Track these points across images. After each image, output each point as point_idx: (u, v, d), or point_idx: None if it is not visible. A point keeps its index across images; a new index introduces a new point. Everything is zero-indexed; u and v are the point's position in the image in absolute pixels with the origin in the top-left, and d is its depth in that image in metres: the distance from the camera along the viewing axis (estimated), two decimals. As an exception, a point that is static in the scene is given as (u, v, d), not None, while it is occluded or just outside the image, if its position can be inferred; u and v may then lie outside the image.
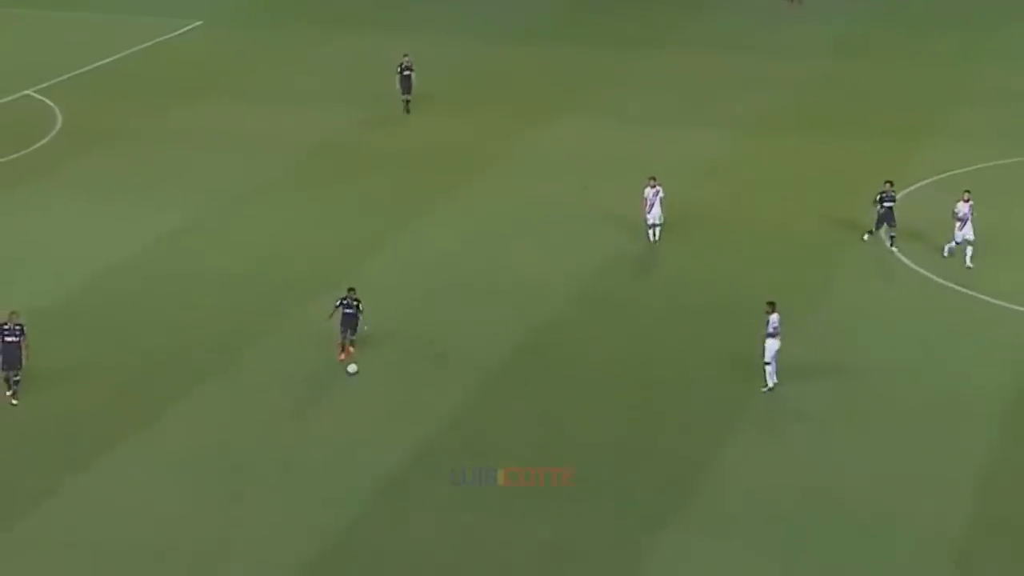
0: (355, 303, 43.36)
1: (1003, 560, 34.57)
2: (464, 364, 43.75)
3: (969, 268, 49.29)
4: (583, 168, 59.44)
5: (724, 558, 34.67)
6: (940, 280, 49.11)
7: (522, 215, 54.83)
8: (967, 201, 49.66)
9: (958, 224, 49.61)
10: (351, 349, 43.41)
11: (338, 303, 43.41)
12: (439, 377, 43.07)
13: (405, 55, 66.27)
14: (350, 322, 43.37)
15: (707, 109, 67.14)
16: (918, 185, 56.15)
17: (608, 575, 34.14)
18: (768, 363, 41.57)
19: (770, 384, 41.53)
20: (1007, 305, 47.28)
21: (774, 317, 41.34)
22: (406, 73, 65.66)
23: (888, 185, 51.35)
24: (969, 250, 49.56)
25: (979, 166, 58.86)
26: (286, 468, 38.46)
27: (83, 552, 35.26)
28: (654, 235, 51.70)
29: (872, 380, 42.66)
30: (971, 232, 49.50)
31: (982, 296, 47.87)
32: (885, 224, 51.13)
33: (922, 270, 49.83)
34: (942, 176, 57.68)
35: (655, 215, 51.45)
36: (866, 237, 51.69)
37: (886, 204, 50.98)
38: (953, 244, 49.97)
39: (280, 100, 68.80)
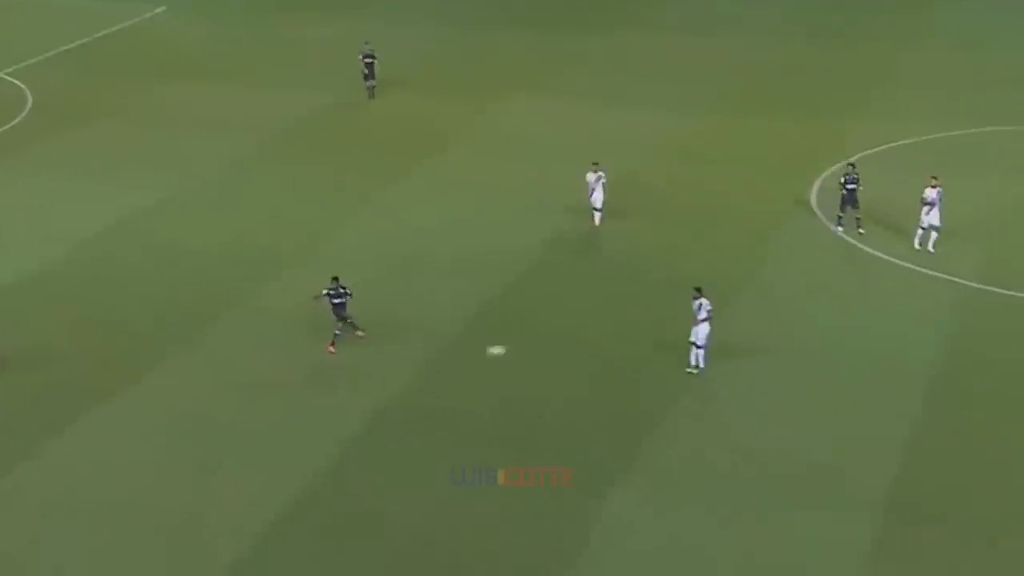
0: (343, 291, 44.09)
1: (928, 517, 36.27)
2: (424, 334, 45.36)
3: (931, 253, 50.18)
4: (542, 149, 60.99)
5: (669, 515, 36.28)
6: (879, 254, 50.70)
7: (480, 194, 56.40)
8: (935, 187, 50.42)
9: (925, 209, 50.34)
10: (360, 333, 44.29)
11: (325, 293, 44.05)
12: (401, 346, 44.60)
13: (366, 42, 67.61)
14: (342, 311, 44.09)
15: (661, 90, 68.76)
16: (856, 157, 57.26)
17: (562, 530, 35.71)
18: (700, 346, 42.44)
19: (702, 365, 42.46)
20: (938, 275, 48.95)
21: (705, 302, 42.18)
22: (368, 60, 67.03)
23: (851, 167, 52.59)
24: (933, 235, 50.41)
25: (916, 140, 61.00)
26: (257, 434, 40.00)
27: (57, 514, 36.70)
28: (597, 219, 52.77)
29: (810, 350, 44.19)
30: (937, 218, 50.23)
31: (917, 268, 49.51)
32: (848, 206, 51.99)
33: (864, 246, 51.45)
34: (880, 149, 59.73)
35: (597, 199, 52.57)
36: (840, 230, 52.34)
37: (848, 187, 51.95)
38: (920, 230, 50.67)
39: (247, 84, 70.11)
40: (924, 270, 49.41)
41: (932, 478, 37.78)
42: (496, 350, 42.95)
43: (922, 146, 60.74)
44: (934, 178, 50.59)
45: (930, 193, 50.32)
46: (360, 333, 44.46)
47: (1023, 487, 37.33)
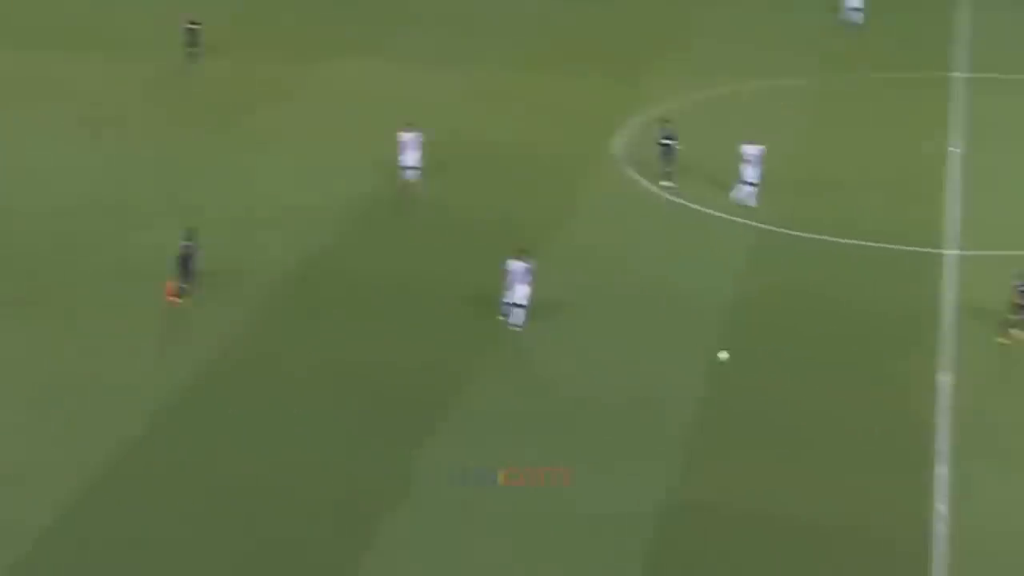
0: (195, 245, 45.10)
1: (733, 437, 38.84)
2: (251, 287, 46.69)
3: (751, 207, 52.43)
4: (363, 109, 62.67)
5: (487, 452, 37.84)
6: (684, 203, 53.42)
7: (305, 153, 57.97)
8: (754, 144, 52.62)
9: (744, 165, 52.52)
10: (178, 301, 45.03)
11: (183, 246, 44.97)
12: (229, 300, 45.82)
13: (191, 11, 68.67)
14: (189, 265, 45.03)
15: (477, 49, 71.02)
16: (662, 111, 60.07)
17: (385, 477, 36.93)
18: (523, 306, 43.74)
19: (521, 323, 43.75)
20: (742, 221, 51.91)
21: (530, 264, 43.58)
22: (191, 27, 67.79)
23: (666, 124, 54.91)
24: (749, 190, 52.58)
25: (716, 93, 64.65)
26: (88, 387, 40.61)
27: None
28: (411, 176, 53.69)
29: (621, 298, 46.39)
30: (756, 175, 52.42)
31: (723, 215, 52.39)
32: (665, 161, 54.10)
33: (671, 197, 54.12)
34: (684, 102, 62.89)
35: (413, 159, 53.54)
36: (663, 183, 54.54)
37: (664, 142, 54.08)
38: (741, 186, 52.76)
39: (71, 48, 69.84)
40: (729, 217, 52.20)
41: (735, 400, 40.47)
42: (723, 355, 41.88)
43: (724, 99, 64.10)
44: (753, 137, 52.99)
45: (749, 149, 52.55)
46: (179, 301, 45.09)
47: (819, 409, 40.16)
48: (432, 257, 49.27)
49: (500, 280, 44.16)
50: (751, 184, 52.67)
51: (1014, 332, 43.43)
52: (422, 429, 38.93)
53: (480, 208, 53.04)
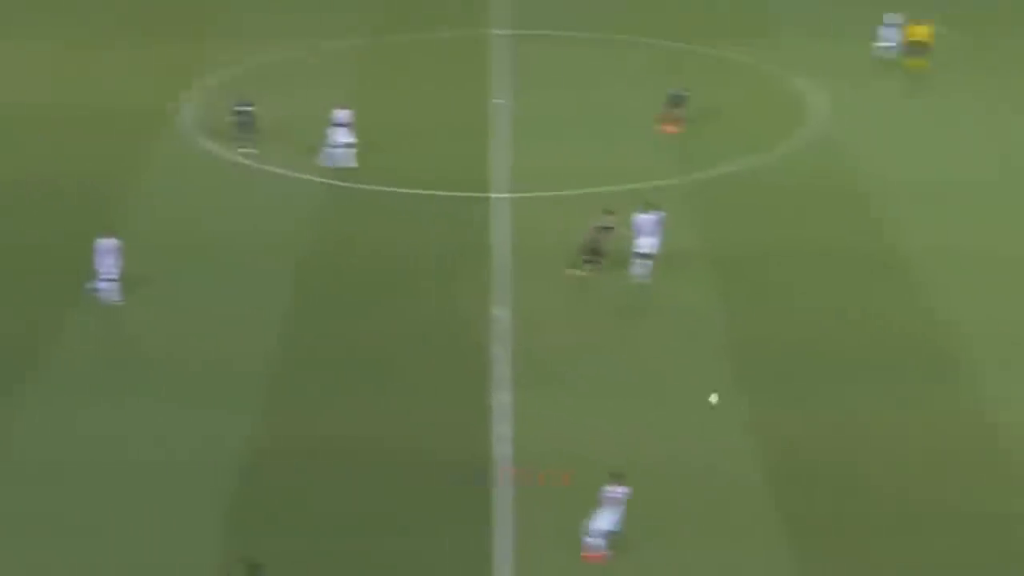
0: None
1: (307, 382, 41.21)
2: None
3: (350, 168, 55.07)
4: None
5: (74, 419, 39.34)
6: (258, 166, 55.79)
7: None
8: (343, 108, 54.91)
9: (334, 129, 54.67)
10: None
11: None
12: None
13: None
14: None
15: (28, 23, 72.19)
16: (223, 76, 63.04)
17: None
18: (113, 279, 44.78)
19: (118, 296, 45.12)
20: (301, 176, 54.65)
21: (120, 240, 45.00)
22: None
23: (241, 92, 56.88)
24: (342, 152, 54.89)
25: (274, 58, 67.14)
26: None
27: None
28: None
29: (196, 259, 48.29)
30: (348, 136, 54.82)
31: (287, 172, 55.02)
32: (242, 129, 56.28)
33: (249, 162, 56.32)
34: (244, 66, 65.35)
35: None
36: (241, 149, 56.32)
37: (240, 109, 56.15)
38: (334, 149, 55.02)
39: None
40: (301, 176, 54.70)
41: (311, 355, 42.80)
42: (713, 398, 40.40)
43: (283, 63, 66.57)
44: (342, 102, 55.62)
45: (339, 113, 54.93)
46: None
47: (387, 349, 42.90)
48: (5, 234, 50.11)
49: (87, 256, 45.23)
50: (344, 146, 55.19)
51: (570, 271, 47.28)
52: (2, 397, 40.13)
53: (54, 183, 53.87)
